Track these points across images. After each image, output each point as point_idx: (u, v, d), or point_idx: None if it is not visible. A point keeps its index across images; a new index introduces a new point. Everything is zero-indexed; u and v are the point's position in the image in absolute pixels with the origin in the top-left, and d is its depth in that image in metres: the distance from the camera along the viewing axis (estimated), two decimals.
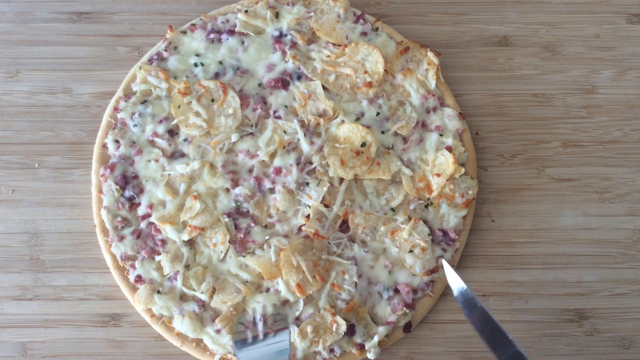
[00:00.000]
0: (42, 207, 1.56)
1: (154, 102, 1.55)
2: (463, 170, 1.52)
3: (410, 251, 1.47)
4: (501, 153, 1.62)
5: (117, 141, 1.53)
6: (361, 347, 1.45)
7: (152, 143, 1.54)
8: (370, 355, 1.45)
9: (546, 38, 1.68)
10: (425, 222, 1.51)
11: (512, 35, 1.68)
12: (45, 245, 1.55)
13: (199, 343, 1.46)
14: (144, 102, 1.55)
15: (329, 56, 1.57)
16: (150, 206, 1.49)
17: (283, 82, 1.56)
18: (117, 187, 1.49)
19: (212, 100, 1.54)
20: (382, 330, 1.46)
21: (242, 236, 1.48)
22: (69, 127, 1.60)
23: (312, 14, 1.60)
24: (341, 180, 1.50)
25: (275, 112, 1.54)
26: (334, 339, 1.42)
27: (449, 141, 1.53)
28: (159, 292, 1.45)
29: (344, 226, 1.50)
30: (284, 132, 1.52)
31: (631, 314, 1.55)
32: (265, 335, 1.35)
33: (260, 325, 1.38)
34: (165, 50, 1.59)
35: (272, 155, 1.51)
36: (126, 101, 1.55)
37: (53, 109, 1.61)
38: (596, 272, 1.56)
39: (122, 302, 1.51)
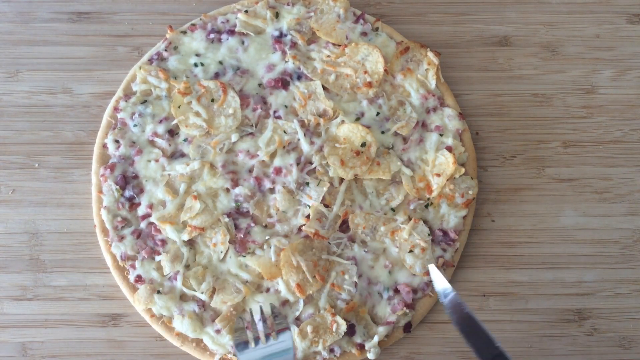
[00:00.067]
0: (42, 207, 1.56)
1: (154, 102, 1.55)
2: (463, 170, 1.52)
3: (410, 251, 1.47)
4: (501, 153, 1.62)
5: (117, 141, 1.53)
6: (361, 347, 1.45)
7: (152, 143, 1.54)
8: (370, 355, 1.45)
9: (546, 38, 1.68)
10: (425, 222, 1.51)
11: (512, 35, 1.68)
12: (45, 245, 1.55)
13: (199, 343, 1.46)
14: (144, 102, 1.55)
15: (329, 56, 1.57)
16: (150, 206, 1.49)
17: (283, 82, 1.56)
18: (117, 187, 1.49)
19: (212, 100, 1.54)
20: (382, 330, 1.46)
21: (242, 236, 1.49)
22: (69, 127, 1.60)
23: (312, 14, 1.60)
24: (341, 180, 1.50)
25: (275, 112, 1.54)
26: (334, 339, 1.42)
27: (449, 141, 1.53)
28: (159, 292, 1.45)
29: (344, 226, 1.50)
30: (284, 132, 1.52)
31: (631, 314, 1.55)
32: (267, 336, 1.35)
33: (260, 326, 1.38)
34: (165, 50, 1.59)
35: (272, 155, 1.51)
36: (126, 101, 1.55)
37: (53, 109, 1.61)
38: (596, 272, 1.56)
39: (122, 302, 1.51)
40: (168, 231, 1.47)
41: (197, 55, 1.58)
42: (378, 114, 1.55)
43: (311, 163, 1.51)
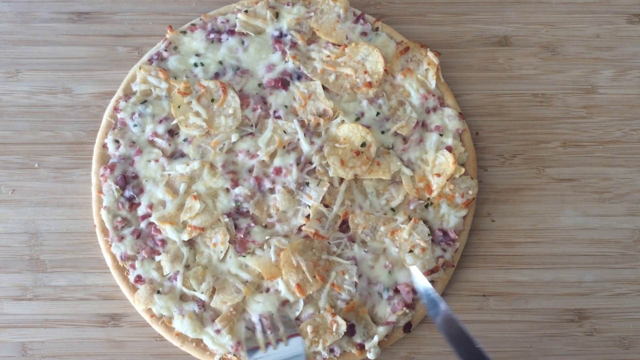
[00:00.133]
0: (42, 207, 1.56)
1: (154, 102, 1.55)
2: (463, 170, 1.52)
3: (410, 251, 1.47)
4: (501, 153, 1.62)
5: (117, 141, 1.53)
6: (361, 347, 1.45)
7: (152, 143, 1.54)
8: (370, 355, 1.45)
9: (546, 38, 1.68)
10: (425, 222, 1.51)
11: (512, 35, 1.68)
12: (45, 245, 1.55)
13: (199, 343, 1.46)
14: (144, 102, 1.55)
15: (329, 56, 1.57)
16: (150, 206, 1.49)
17: (283, 82, 1.56)
18: (117, 187, 1.49)
19: (212, 100, 1.54)
20: (382, 330, 1.46)
21: (242, 236, 1.48)
22: (69, 127, 1.60)
23: (312, 14, 1.60)
24: (341, 180, 1.50)
25: (275, 112, 1.54)
26: (334, 339, 1.42)
27: (449, 141, 1.53)
28: (159, 292, 1.45)
29: (344, 226, 1.50)
30: (284, 132, 1.52)
31: (631, 314, 1.55)
32: (277, 342, 1.33)
33: (268, 333, 1.36)
34: (165, 50, 1.59)
35: (272, 155, 1.51)
36: (126, 101, 1.55)
37: (53, 109, 1.61)
38: (596, 272, 1.56)
39: (122, 302, 1.51)
40: (168, 231, 1.47)
41: (197, 55, 1.58)
42: (378, 114, 1.55)
43: (311, 163, 1.51)
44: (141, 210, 1.49)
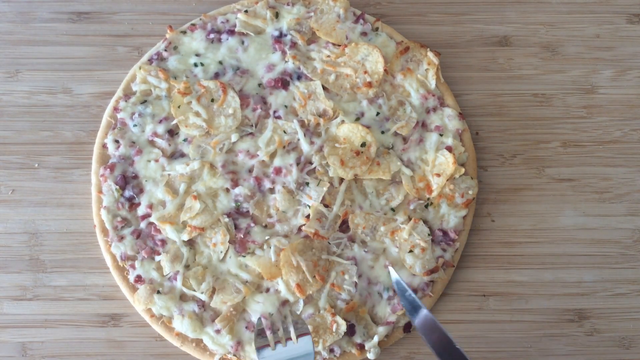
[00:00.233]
0: (42, 207, 1.56)
1: (154, 102, 1.55)
2: (463, 170, 1.52)
3: (410, 251, 1.47)
4: (501, 153, 1.62)
5: (117, 141, 1.53)
6: (361, 347, 1.45)
7: (152, 143, 1.54)
8: (370, 355, 1.45)
9: (546, 38, 1.68)
10: (425, 222, 1.51)
11: (512, 35, 1.68)
12: (45, 245, 1.55)
13: (198, 343, 1.46)
14: (144, 102, 1.55)
15: (329, 56, 1.57)
16: (150, 206, 1.49)
17: (283, 82, 1.56)
18: (117, 187, 1.49)
19: (212, 100, 1.54)
20: (382, 330, 1.46)
21: (242, 236, 1.48)
22: (69, 127, 1.60)
23: (312, 14, 1.60)
24: (341, 180, 1.50)
25: (275, 112, 1.54)
26: (334, 339, 1.42)
27: (449, 141, 1.53)
28: (158, 292, 1.45)
29: (344, 226, 1.50)
30: (284, 132, 1.52)
31: (631, 314, 1.55)
32: (287, 340, 1.34)
33: (280, 333, 1.37)
34: (165, 50, 1.59)
35: (272, 155, 1.51)
36: (126, 101, 1.55)
37: (53, 109, 1.61)
38: (596, 272, 1.56)
39: (122, 302, 1.51)
40: (168, 231, 1.47)
41: (197, 55, 1.58)
42: (378, 114, 1.55)
43: (311, 163, 1.51)
44: (141, 210, 1.49)
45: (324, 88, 1.55)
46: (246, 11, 1.60)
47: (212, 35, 1.59)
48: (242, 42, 1.59)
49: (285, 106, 1.55)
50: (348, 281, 1.46)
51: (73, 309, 1.52)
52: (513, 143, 1.63)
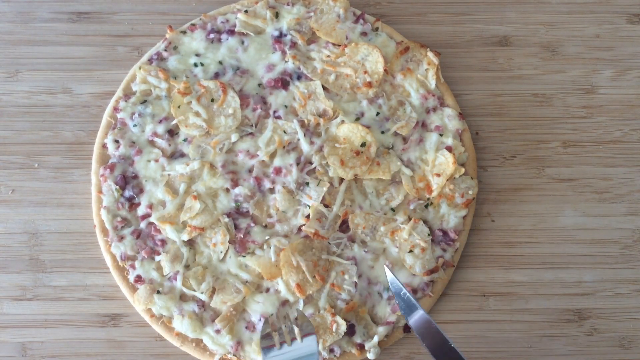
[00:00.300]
0: (42, 207, 1.56)
1: (154, 102, 1.55)
2: (463, 170, 1.52)
3: (410, 251, 1.47)
4: (501, 153, 1.62)
5: (117, 141, 1.53)
6: (361, 347, 1.45)
7: (152, 143, 1.54)
8: (370, 355, 1.45)
9: (546, 38, 1.68)
10: (425, 222, 1.51)
11: (512, 35, 1.68)
12: (45, 245, 1.55)
13: (198, 343, 1.46)
14: (144, 102, 1.55)
15: (329, 56, 1.57)
16: (150, 206, 1.49)
17: (283, 82, 1.56)
18: (117, 187, 1.49)
19: (212, 100, 1.54)
20: (382, 330, 1.46)
21: (242, 236, 1.48)
22: (69, 127, 1.60)
23: (312, 14, 1.60)
24: (341, 180, 1.50)
25: (275, 112, 1.54)
26: (334, 339, 1.42)
27: (449, 141, 1.53)
28: (158, 292, 1.45)
29: (344, 226, 1.50)
30: (284, 132, 1.52)
31: (631, 314, 1.55)
32: (292, 340, 1.34)
33: (286, 334, 1.37)
34: (165, 50, 1.59)
35: (272, 155, 1.51)
36: (126, 101, 1.55)
37: (53, 109, 1.61)
38: (596, 272, 1.56)
39: (122, 302, 1.51)
40: (168, 231, 1.47)
41: (197, 55, 1.58)
42: (378, 114, 1.55)
43: (311, 163, 1.51)
44: (141, 210, 1.49)
45: (324, 88, 1.55)
46: (246, 11, 1.60)
47: (212, 35, 1.59)
48: (242, 42, 1.59)
49: (285, 106, 1.55)
50: (348, 281, 1.46)
51: (73, 309, 1.52)
52: (513, 143, 1.63)
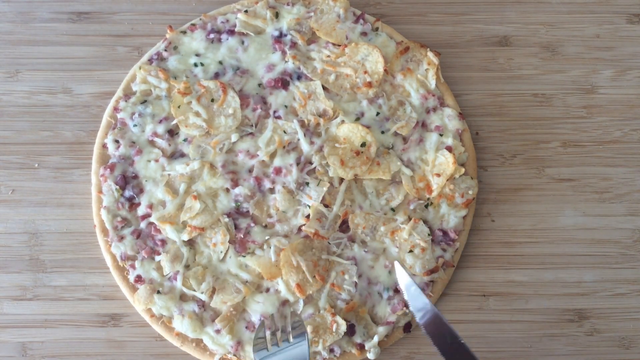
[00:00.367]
0: (42, 207, 1.56)
1: (154, 102, 1.55)
2: (463, 170, 1.52)
3: (410, 251, 1.47)
4: (501, 153, 1.62)
5: (117, 141, 1.53)
6: (361, 347, 1.45)
7: (152, 143, 1.54)
8: (370, 355, 1.45)
9: (546, 38, 1.68)
10: (425, 222, 1.51)
11: (512, 35, 1.68)
12: (45, 245, 1.55)
13: (199, 343, 1.46)
14: (144, 102, 1.55)
15: (329, 56, 1.57)
16: (150, 206, 1.49)
17: (283, 82, 1.56)
18: (117, 187, 1.49)
19: (212, 100, 1.54)
20: (382, 330, 1.46)
21: (242, 236, 1.48)
22: (69, 127, 1.60)
23: (312, 14, 1.60)
24: (341, 180, 1.50)
25: (275, 112, 1.54)
26: (334, 339, 1.42)
27: (449, 141, 1.53)
28: (158, 292, 1.45)
29: (344, 226, 1.50)
30: (284, 132, 1.52)
31: (631, 314, 1.55)
32: (284, 342, 1.34)
33: (279, 336, 1.36)
34: (165, 50, 1.59)
35: (272, 155, 1.51)
36: (126, 101, 1.55)
37: (53, 109, 1.61)
38: (596, 272, 1.56)
39: (122, 302, 1.51)
40: (168, 231, 1.47)
41: (197, 55, 1.58)
42: (378, 114, 1.55)
43: (311, 163, 1.51)
44: (141, 210, 1.49)
45: (324, 88, 1.55)
46: (246, 11, 1.60)
47: (212, 35, 1.59)
48: (242, 42, 1.59)
49: (285, 106, 1.55)
50: (348, 281, 1.46)
51: (73, 309, 1.52)
52: (513, 143, 1.63)
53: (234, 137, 1.51)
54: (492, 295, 1.55)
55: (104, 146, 1.54)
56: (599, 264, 1.57)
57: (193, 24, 1.61)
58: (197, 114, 1.52)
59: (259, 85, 1.57)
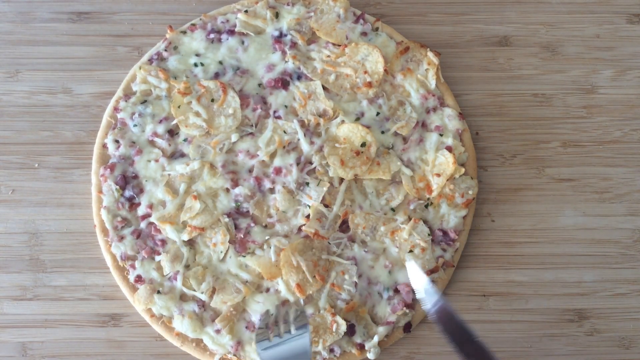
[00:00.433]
0: (42, 207, 1.56)
1: (154, 102, 1.55)
2: (463, 170, 1.52)
3: (410, 251, 1.47)
4: (501, 153, 1.62)
5: (117, 141, 1.53)
6: (361, 347, 1.45)
7: (152, 143, 1.54)
8: (370, 355, 1.45)
9: (546, 38, 1.68)
10: (425, 222, 1.51)
11: (512, 35, 1.68)
12: (45, 245, 1.55)
13: (199, 343, 1.46)
14: (144, 102, 1.55)
15: (329, 56, 1.57)
16: (150, 206, 1.49)
17: (283, 82, 1.56)
18: (117, 187, 1.49)
19: (212, 100, 1.54)
20: (382, 330, 1.46)
21: (242, 236, 1.49)
22: (69, 127, 1.60)
23: (312, 14, 1.60)
24: (341, 180, 1.50)
25: (275, 112, 1.54)
26: (334, 339, 1.42)
27: (449, 141, 1.53)
28: (159, 292, 1.45)
29: (344, 226, 1.50)
30: (284, 132, 1.52)
31: (631, 314, 1.55)
32: (285, 333, 1.32)
33: (281, 327, 1.35)
34: (165, 50, 1.59)
35: (272, 155, 1.51)
36: (126, 101, 1.55)
37: (53, 109, 1.61)
38: (596, 272, 1.56)
39: (122, 302, 1.51)
40: (168, 231, 1.47)
41: (197, 55, 1.58)
42: (378, 114, 1.55)
43: (311, 163, 1.51)
44: (141, 210, 1.49)
45: (324, 88, 1.55)
46: (246, 11, 1.60)
47: (212, 35, 1.59)
48: (242, 42, 1.59)
49: (285, 106, 1.55)
50: (348, 281, 1.46)
51: (73, 309, 1.52)
52: (513, 143, 1.63)
53: (234, 137, 1.51)
54: (492, 295, 1.55)
55: (104, 146, 1.54)
56: (599, 264, 1.57)
57: (193, 24, 1.61)
58: (197, 114, 1.52)
59: (259, 85, 1.57)
